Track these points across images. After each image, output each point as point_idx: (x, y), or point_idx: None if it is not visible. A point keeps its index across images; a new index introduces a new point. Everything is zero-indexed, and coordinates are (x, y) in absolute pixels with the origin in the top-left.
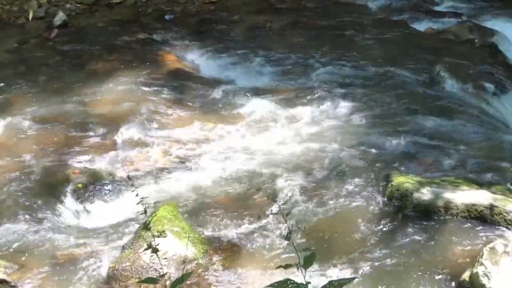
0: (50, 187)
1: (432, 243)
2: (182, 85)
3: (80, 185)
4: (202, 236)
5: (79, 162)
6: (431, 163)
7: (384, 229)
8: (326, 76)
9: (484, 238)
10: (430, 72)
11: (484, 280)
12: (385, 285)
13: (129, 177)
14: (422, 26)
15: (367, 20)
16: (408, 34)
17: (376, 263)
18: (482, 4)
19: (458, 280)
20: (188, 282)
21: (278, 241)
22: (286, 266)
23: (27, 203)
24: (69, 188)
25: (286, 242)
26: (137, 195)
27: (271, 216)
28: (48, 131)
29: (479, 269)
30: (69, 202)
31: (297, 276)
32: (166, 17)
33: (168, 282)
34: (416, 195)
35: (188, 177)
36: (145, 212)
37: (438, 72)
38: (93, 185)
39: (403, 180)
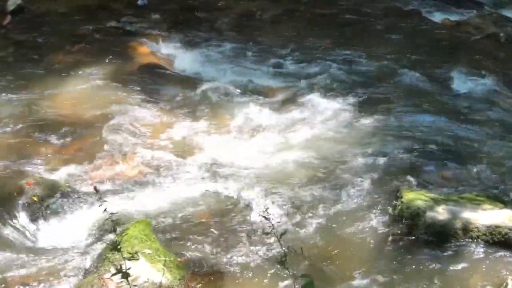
0: None
1: (448, 270)
2: (156, 82)
3: (35, 198)
4: (179, 259)
5: (34, 171)
6: (447, 177)
7: (393, 253)
8: (326, 74)
9: (508, 266)
10: (447, 71)
11: None
12: None
13: (96, 189)
14: (438, 17)
15: (374, 10)
16: (421, 26)
17: None
18: None
19: None
20: None
21: (270, 265)
22: None
23: None
24: (22, 202)
25: (280, 266)
26: (105, 210)
27: (262, 236)
28: None
29: None
30: (21, 217)
31: None
32: (139, 2)
33: None
34: (429, 214)
35: (163, 190)
36: (115, 230)
37: (456, 70)
38: (50, 198)
39: (414, 197)
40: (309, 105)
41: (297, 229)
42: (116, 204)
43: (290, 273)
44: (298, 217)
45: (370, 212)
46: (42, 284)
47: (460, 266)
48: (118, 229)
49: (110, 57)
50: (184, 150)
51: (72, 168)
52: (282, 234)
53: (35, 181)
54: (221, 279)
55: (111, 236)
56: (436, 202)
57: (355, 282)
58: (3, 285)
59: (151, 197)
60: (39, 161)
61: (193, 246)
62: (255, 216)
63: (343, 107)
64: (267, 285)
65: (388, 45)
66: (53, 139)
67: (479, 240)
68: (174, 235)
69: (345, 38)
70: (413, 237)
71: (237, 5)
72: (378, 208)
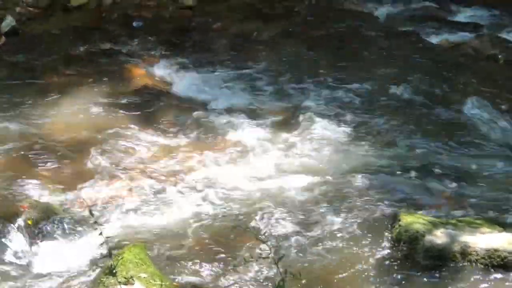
0: None
1: None
2: (152, 105)
3: (29, 222)
4: (175, 283)
5: (29, 194)
6: (445, 200)
7: (391, 277)
8: (323, 96)
9: None
10: (445, 93)
11: None
12: None
13: (91, 212)
14: (436, 38)
15: (372, 31)
16: (420, 47)
17: None
18: (505, 13)
19: None
20: None
21: None
22: None
23: None
24: (16, 225)
25: None
26: (100, 233)
27: (259, 260)
28: None
29: None
30: (15, 241)
31: None
32: (134, 24)
33: None
34: (428, 238)
35: (159, 213)
36: (110, 254)
37: (454, 92)
38: (45, 222)
39: (413, 220)
40: (306, 127)
41: (295, 252)
42: (111, 228)
43: None
44: (296, 241)
45: (369, 236)
46: None
47: None
48: (113, 253)
49: (105, 79)
50: (179, 173)
51: (66, 191)
52: (280, 258)
53: (29, 204)
54: None
55: (106, 260)
56: (435, 225)
57: None
58: None
59: (147, 221)
60: (33, 184)
61: (189, 270)
62: (252, 240)
63: (341, 129)
64: None
65: (386, 67)
66: (47, 162)
67: (478, 263)
68: (170, 259)
69: (342, 60)
70: (412, 261)
71: (232, 26)
72: (377, 232)
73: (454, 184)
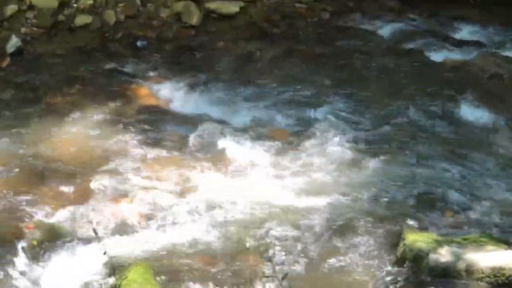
0: None
1: None
2: (156, 124)
3: (34, 242)
4: None
5: (34, 214)
6: (450, 218)
7: None
8: (326, 115)
9: None
10: (449, 112)
11: None
12: None
13: (95, 232)
14: (439, 56)
15: (374, 49)
16: (422, 66)
17: None
18: (508, 31)
19: None
20: None
21: None
22: None
23: None
24: (21, 246)
25: None
26: (104, 253)
27: (264, 279)
28: None
29: None
30: (21, 261)
31: None
32: (138, 43)
33: None
34: (432, 256)
35: (163, 233)
36: (114, 274)
37: (459, 110)
38: (50, 242)
39: (417, 238)
40: (310, 145)
41: (299, 271)
42: (115, 247)
43: None
44: (300, 260)
45: (373, 254)
46: None
47: None
48: (118, 273)
49: (109, 98)
50: (184, 192)
51: (71, 211)
52: (283, 277)
53: (34, 224)
54: None
55: (110, 280)
56: (439, 243)
57: None
58: None
59: (151, 240)
60: (38, 204)
61: None
62: (256, 259)
63: (345, 147)
64: None
65: (390, 85)
66: (52, 182)
67: (483, 282)
68: (174, 279)
69: (346, 78)
70: (417, 279)
71: (236, 45)
72: (381, 250)
73: (459, 202)
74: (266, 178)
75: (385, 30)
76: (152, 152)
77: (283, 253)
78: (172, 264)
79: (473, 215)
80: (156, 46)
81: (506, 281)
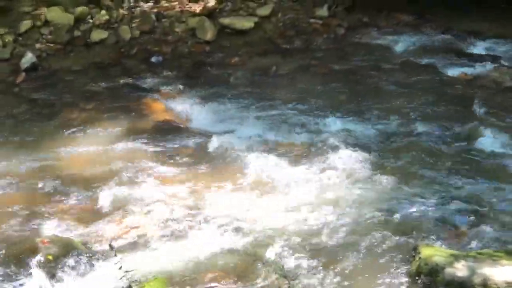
0: (14, 258)
1: None
2: (171, 139)
3: (49, 257)
4: None
5: (49, 229)
6: (465, 233)
7: None
8: (340, 130)
9: None
10: (465, 126)
11: None
12: None
13: (111, 246)
14: (454, 71)
15: (389, 64)
16: (437, 80)
17: None
18: None
19: None
20: None
21: None
22: None
23: None
24: (37, 260)
25: None
26: (120, 267)
27: None
28: (12, 192)
29: None
30: (36, 276)
31: None
32: (153, 59)
33: None
34: (448, 270)
35: (179, 247)
36: (131, 287)
37: (474, 126)
38: (65, 257)
39: (432, 253)
40: (325, 160)
41: (313, 285)
42: (131, 262)
43: None
44: (315, 274)
45: (388, 268)
46: None
47: None
48: (134, 287)
49: (124, 114)
50: (198, 205)
51: (86, 226)
52: None
53: (49, 239)
54: None
55: None
56: (455, 258)
57: None
58: None
59: (166, 254)
60: (53, 219)
61: None
62: (271, 273)
63: (360, 161)
64: None
65: (404, 100)
66: (67, 197)
67: None
68: None
69: (360, 93)
70: None
71: (250, 60)
72: (397, 264)
73: (473, 217)
74: (280, 191)
75: (400, 45)
76: (167, 166)
77: (298, 266)
78: (187, 278)
79: (488, 230)
80: (171, 62)
81: None
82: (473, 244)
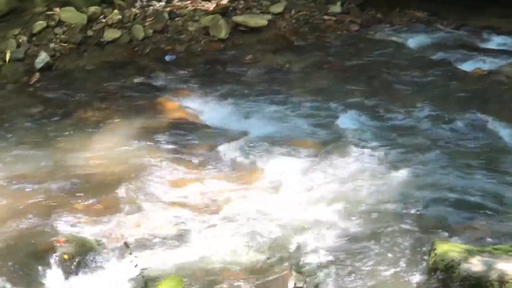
0: (30, 258)
1: None
2: (185, 137)
3: (65, 256)
4: None
5: (65, 228)
6: (481, 228)
7: None
8: (355, 126)
9: None
10: (479, 121)
11: None
12: None
13: (126, 244)
14: (468, 66)
15: (403, 60)
16: (452, 76)
17: None
18: None
19: None
20: None
21: None
22: None
23: (2, 277)
24: (53, 260)
25: None
26: (136, 265)
27: None
28: (27, 192)
29: None
30: (52, 276)
31: None
32: (167, 57)
33: None
34: (464, 266)
35: (194, 246)
36: (146, 286)
37: (488, 121)
38: (81, 256)
39: (449, 248)
40: (340, 156)
41: (329, 283)
42: (146, 260)
43: None
44: (331, 270)
45: (404, 264)
46: None
47: None
48: (150, 286)
49: (138, 113)
50: (214, 204)
51: (102, 225)
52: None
53: (66, 238)
54: None
55: None
56: (471, 253)
57: None
58: None
59: (182, 253)
60: (69, 218)
61: None
62: (286, 271)
63: (375, 158)
64: None
65: (418, 96)
66: (82, 196)
67: None
68: None
69: (374, 89)
70: None
71: (264, 58)
72: (412, 260)
73: (489, 212)
74: (296, 189)
75: (414, 41)
76: (181, 165)
77: (314, 263)
78: (203, 276)
79: (503, 224)
80: (184, 60)
81: None
82: (489, 239)
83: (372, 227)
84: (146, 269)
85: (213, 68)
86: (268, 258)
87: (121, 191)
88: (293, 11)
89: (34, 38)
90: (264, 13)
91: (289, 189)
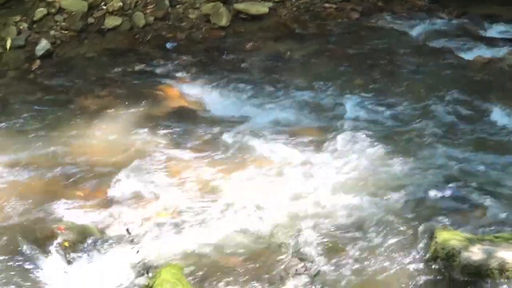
0: (30, 245)
1: None
2: (186, 125)
3: (66, 243)
4: None
5: (65, 215)
6: (481, 216)
7: None
8: (356, 115)
9: None
10: (481, 109)
11: None
12: None
13: (128, 231)
14: (470, 54)
15: (404, 48)
16: (453, 64)
17: None
18: None
19: None
20: None
21: None
22: None
23: (2, 265)
24: (53, 247)
25: None
26: (137, 252)
27: (295, 277)
28: (28, 179)
29: None
30: (53, 263)
31: None
32: (168, 45)
33: None
34: (464, 254)
35: (194, 233)
36: (148, 273)
37: (490, 109)
38: (82, 243)
39: (449, 237)
40: (341, 144)
41: (330, 269)
42: (147, 247)
43: None
44: (331, 258)
45: (404, 253)
46: None
47: None
48: (150, 273)
49: (139, 100)
50: (214, 192)
51: (102, 212)
52: (315, 275)
53: (66, 226)
54: None
55: (143, 280)
56: (471, 242)
57: None
58: None
59: (183, 240)
60: (69, 205)
61: None
62: (287, 257)
63: (376, 146)
64: None
65: (420, 84)
66: (82, 183)
67: None
68: (206, 279)
69: (375, 77)
70: (449, 278)
71: (265, 46)
72: (412, 248)
73: (490, 200)
74: (296, 177)
75: (415, 30)
76: (182, 153)
77: (315, 250)
78: (203, 264)
79: (504, 213)
80: (185, 48)
81: None
82: (490, 227)
83: (372, 215)
84: (147, 256)
85: (214, 56)
86: (268, 246)
87: (122, 178)
88: None
89: (34, 25)
90: (265, 1)
91: (290, 176)
